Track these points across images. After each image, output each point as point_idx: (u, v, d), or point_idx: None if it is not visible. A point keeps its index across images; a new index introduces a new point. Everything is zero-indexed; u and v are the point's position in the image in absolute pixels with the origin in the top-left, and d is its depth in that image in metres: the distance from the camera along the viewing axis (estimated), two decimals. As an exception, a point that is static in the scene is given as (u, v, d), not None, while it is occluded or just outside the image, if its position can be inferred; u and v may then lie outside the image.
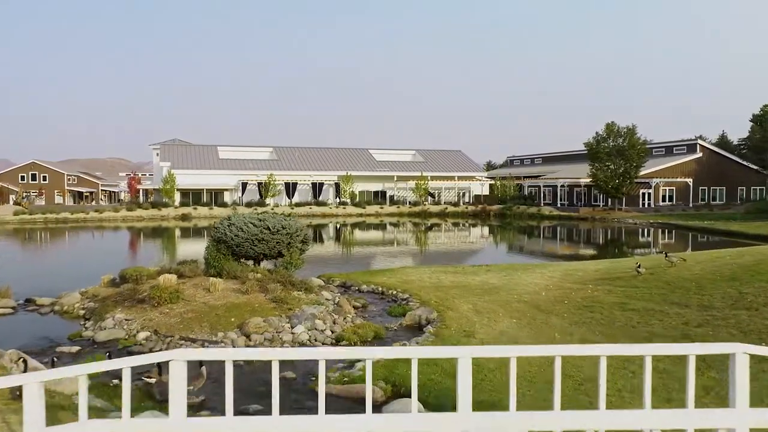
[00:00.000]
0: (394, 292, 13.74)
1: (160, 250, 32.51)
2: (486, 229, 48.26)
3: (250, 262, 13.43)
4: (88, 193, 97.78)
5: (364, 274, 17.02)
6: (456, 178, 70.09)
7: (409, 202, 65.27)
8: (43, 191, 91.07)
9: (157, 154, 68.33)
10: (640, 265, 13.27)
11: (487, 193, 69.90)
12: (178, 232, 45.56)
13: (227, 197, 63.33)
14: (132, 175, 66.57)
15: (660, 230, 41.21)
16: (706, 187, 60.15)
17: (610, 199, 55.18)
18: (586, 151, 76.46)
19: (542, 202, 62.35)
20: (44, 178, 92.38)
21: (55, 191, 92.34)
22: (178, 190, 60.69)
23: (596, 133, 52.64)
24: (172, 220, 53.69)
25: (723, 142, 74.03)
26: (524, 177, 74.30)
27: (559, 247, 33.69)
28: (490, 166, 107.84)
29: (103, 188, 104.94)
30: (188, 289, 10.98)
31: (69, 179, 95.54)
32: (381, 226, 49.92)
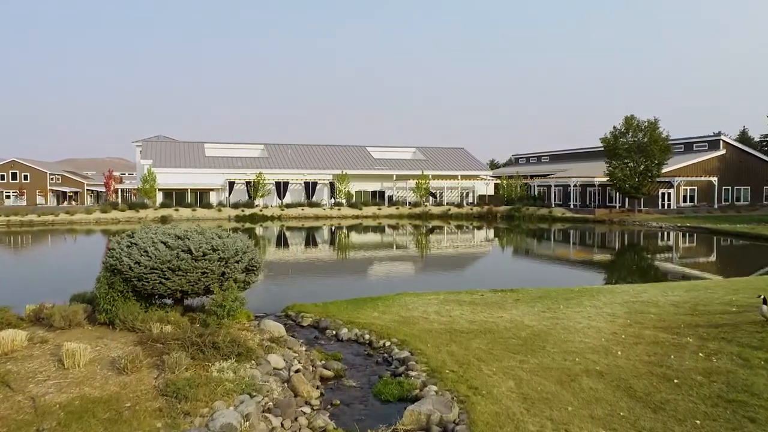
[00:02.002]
0: (388, 344, 9.18)
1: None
2: (494, 233, 43.70)
3: (171, 300, 8.90)
4: (72, 193, 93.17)
5: (348, 305, 12.45)
6: (459, 177, 65.56)
7: (409, 203, 60.73)
8: (24, 191, 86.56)
9: (141, 152, 63.75)
10: (766, 300, 8.67)
11: (492, 193, 65.36)
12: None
13: (213, 197, 58.81)
14: (109, 173, 61.92)
15: (691, 235, 36.63)
16: (729, 187, 55.65)
17: (627, 200, 50.66)
18: (597, 149, 71.98)
19: (553, 202, 57.75)
20: (25, 177, 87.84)
21: (37, 191, 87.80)
22: (159, 189, 56.22)
23: (614, 127, 48.11)
24: (150, 223, 49.10)
25: (744, 138, 69.44)
26: (531, 176, 69.72)
27: (584, 254, 29.11)
28: (493, 165, 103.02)
29: (89, 188, 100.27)
30: (36, 358, 6.46)
31: (52, 178, 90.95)
32: (378, 230, 45.37)
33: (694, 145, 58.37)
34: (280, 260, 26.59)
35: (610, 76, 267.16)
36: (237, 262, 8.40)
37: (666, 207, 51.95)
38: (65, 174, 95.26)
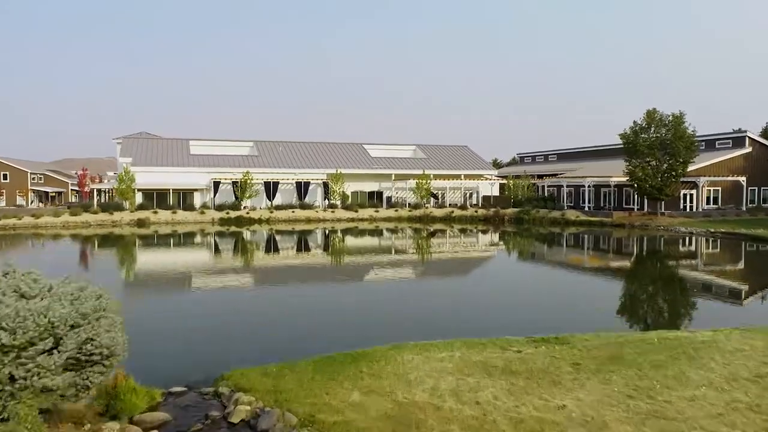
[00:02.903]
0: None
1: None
2: (505, 239, 39.38)
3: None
4: (54, 194, 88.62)
5: (315, 373, 8.09)
6: (462, 176, 61.12)
7: (409, 204, 56.36)
8: (3, 191, 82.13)
9: (120, 149, 59.34)
10: None
11: (498, 194, 61.00)
12: (110, 246, 36.57)
13: (197, 198, 54.41)
14: (83, 172, 57.35)
15: (729, 243, 32.28)
16: (756, 187, 51.37)
17: (646, 202, 46.31)
18: (608, 147, 67.76)
19: (565, 204, 53.33)
20: (5, 177, 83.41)
21: (17, 191, 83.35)
22: (138, 190, 51.82)
23: (634, 122, 43.76)
24: (126, 227, 44.84)
25: (768, 135, 65.00)
26: (539, 175, 65.42)
27: (617, 264, 24.74)
28: (496, 164, 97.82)
29: (74, 188, 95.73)
30: None
31: (33, 178, 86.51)
32: (374, 235, 41.06)
33: (717, 142, 54.07)
34: (249, 275, 22.21)
35: (611, 75, 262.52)
36: (49, 351, 4.06)
37: (689, 209, 47.64)
38: (48, 173, 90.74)
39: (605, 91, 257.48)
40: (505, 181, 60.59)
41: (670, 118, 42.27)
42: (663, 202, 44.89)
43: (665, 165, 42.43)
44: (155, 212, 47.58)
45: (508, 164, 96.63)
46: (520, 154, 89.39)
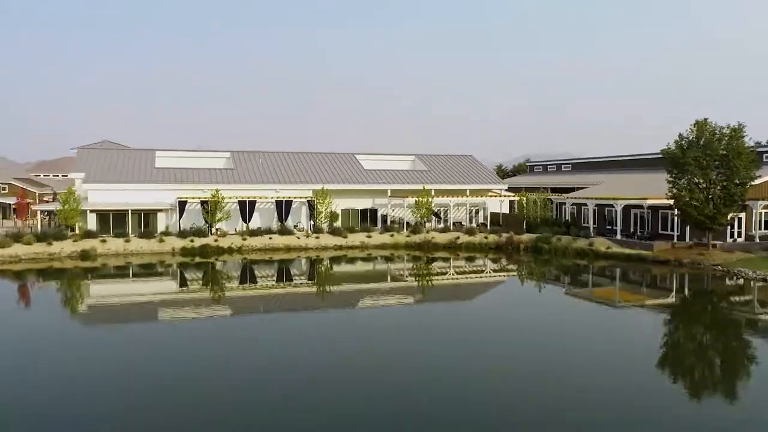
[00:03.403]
0: None
1: None
2: (527, 277, 31.82)
3: None
4: (17, 206, 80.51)
5: None
6: (468, 192, 53.50)
7: (408, 225, 48.68)
8: (-43, 204, 74.14)
9: (76, 162, 51.52)
10: None
11: (507, 211, 53.35)
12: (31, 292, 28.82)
13: (162, 221, 46.49)
14: (22, 193, 49.48)
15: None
16: (812, 209, 43.64)
17: (688, 228, 38.69)
18: (629, 157, 60.23)
19: (591, 229, 45.48)
20: (-40, 188, 75.48)
21: (-25, 204, 75.33)
22: (92, 211, 44.08)
23: (679, 135, 36.12)
24: (67, 260, 37.21)
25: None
26: (552, 189, 57.77)
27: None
28: (500, 171, 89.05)
29: (48, 198, 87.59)
30: None
31: (-5, 188, 78.59)
32: (364, 269, 33.39)
33: (765, 155, 46.45)
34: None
35: (611, 75, 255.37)
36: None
37: (737, 238, 39.87)
38: (13, 183, 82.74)
39: (605, 91, 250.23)
40: (516, 197, 52.86)
41: (726, 130, 34.66)
42: (710, 231, 37.25)
43: (719, 187, 34.82)
44: (103, 241, 39.83)
45: (514, 171, 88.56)
46: (529, 162, 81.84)
